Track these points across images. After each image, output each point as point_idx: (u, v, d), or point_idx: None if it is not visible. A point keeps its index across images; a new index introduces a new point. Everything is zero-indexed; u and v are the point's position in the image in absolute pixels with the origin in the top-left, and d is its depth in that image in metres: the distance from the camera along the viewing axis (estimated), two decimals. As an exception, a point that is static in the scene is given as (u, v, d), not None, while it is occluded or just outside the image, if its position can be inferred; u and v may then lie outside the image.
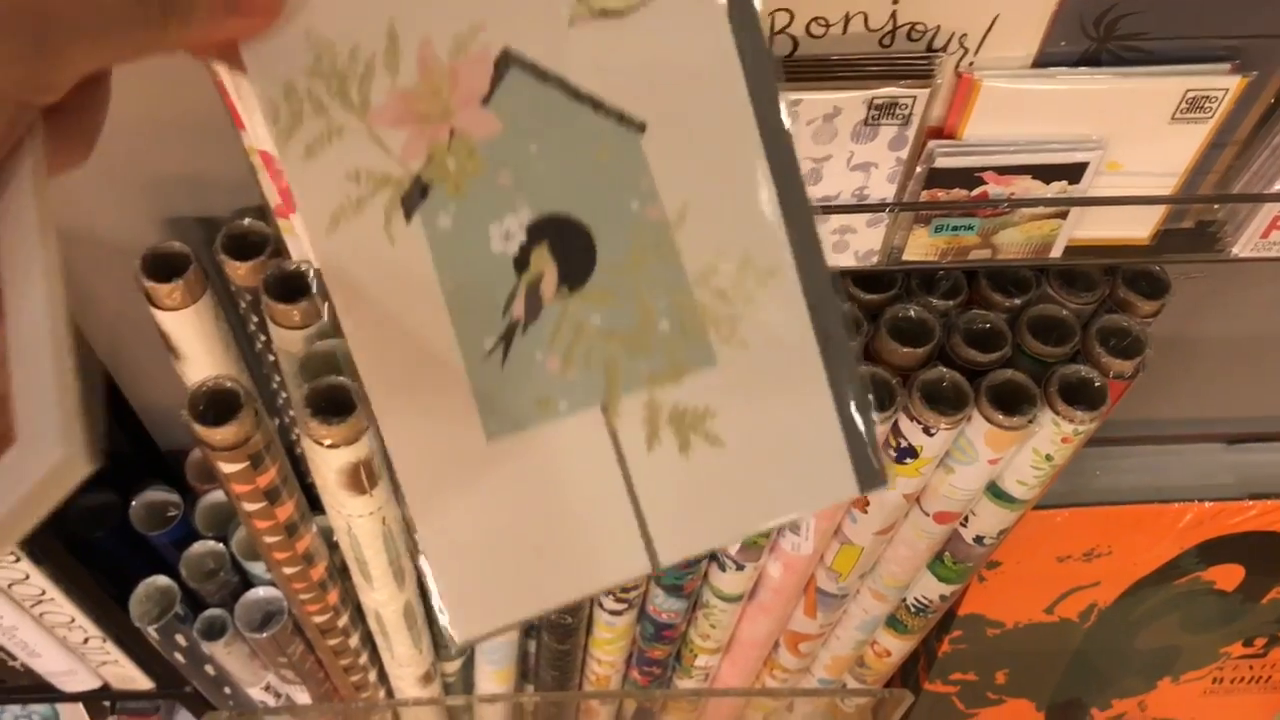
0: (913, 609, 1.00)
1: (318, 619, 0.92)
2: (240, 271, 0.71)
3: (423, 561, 0.44)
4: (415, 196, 0.42)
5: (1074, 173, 0.59)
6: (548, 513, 0.44)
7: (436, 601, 0.44)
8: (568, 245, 0.43)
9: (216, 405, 0.69)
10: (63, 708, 1.24)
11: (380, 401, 0.43)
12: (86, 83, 0.39)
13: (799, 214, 0.43)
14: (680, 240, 0.43)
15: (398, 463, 0.43)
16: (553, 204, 0.42)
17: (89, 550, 0.93)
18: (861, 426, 0.45)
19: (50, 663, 1.04)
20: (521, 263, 0.42)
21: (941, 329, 0.73)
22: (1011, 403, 0.72)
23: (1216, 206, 0.65)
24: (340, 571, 0.90)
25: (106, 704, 1.22)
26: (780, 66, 0.42)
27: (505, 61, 0.42)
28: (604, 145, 0.42)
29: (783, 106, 0.43)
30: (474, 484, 0.44)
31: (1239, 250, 0.65)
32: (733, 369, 0.44)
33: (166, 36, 0.37)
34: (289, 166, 0.41)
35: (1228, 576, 1.09)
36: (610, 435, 0.44)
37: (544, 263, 0.43)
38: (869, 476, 0.45)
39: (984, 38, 0.54)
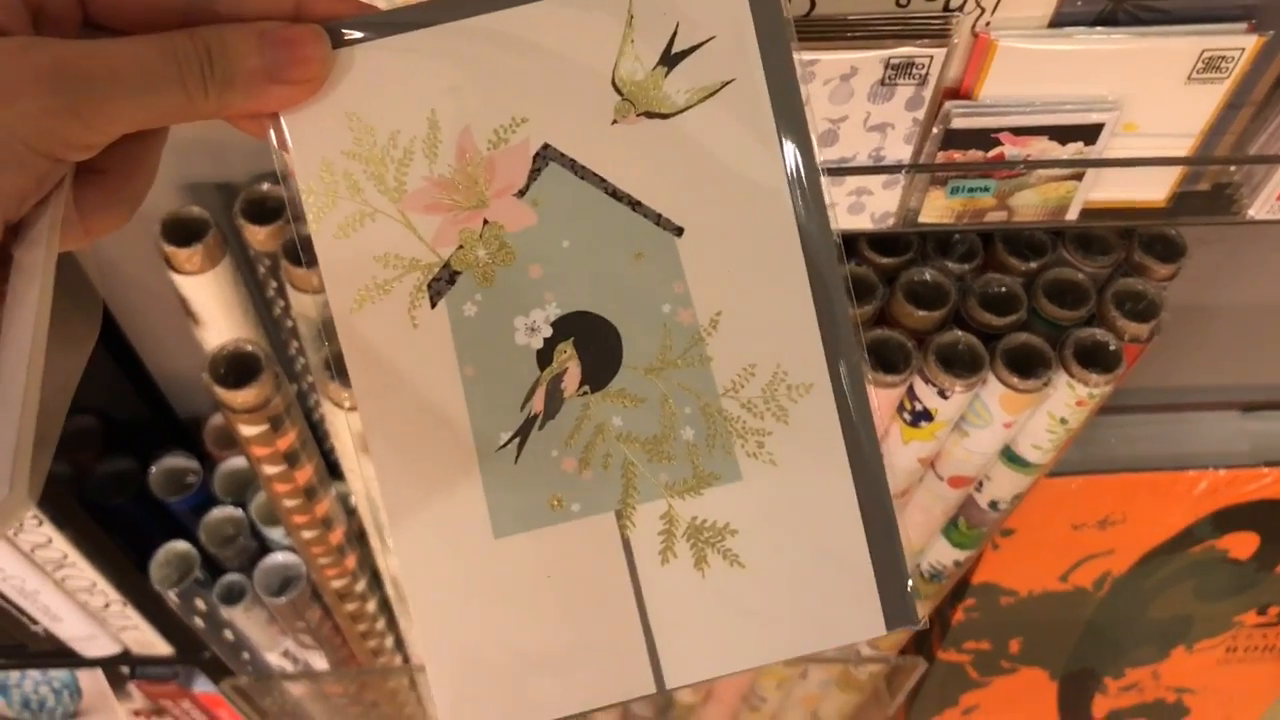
0: (927, 575, 1.00)
1: (336, 584, 0.93)
2: (259, 236, 0.71)
3: (420, 658, 0.43)
4: (442, 283, 0.42)
5: (1090, 134, 0.59)
6: (552, 620, 0.43)
7: (433, 698, 0.43)
8: (594, 343, 0.42)
9: (237, 369, 0.70)
10: (82, 675, 1.25)
11: (390, 485, 0.42)
12: (132, 149, 0.39)
13: (839, 329, 0.42)
14: (711, 348, 0.42)
15: (401, 552, 0.42)
16: (582, 301, 0.42)
17: (109, 516, 0.94)
18: (895, 560, 0.43)
19: (71, 627, 1.05)
20: (545, 357, 0.42)
21: (957, 292, 0.73)
22: (1026, 366, 0.72)
23: (1233, 168, 0.65)
24: (358, 537, 0.91)
25: (125, 670, 1.23)
26: (823, 174, 0.42)
27: (544, 156, 0.42)
28: (639, 246, 0.42)
29: (830, 215, 0.42)
30: (479, 582, 0.43)
31: (1255, 212, 0.65)
32: (759, 486, 0.43)
33: (206, 102, 0.37)
34: (319, 243, 0.42)
35: (1242, 544, 1.09)
36: (623, 544, 0.43)
37: (568, 359, 0.42)
38: (898, 614, 0.43)
39: (1000, -3, 0.55)
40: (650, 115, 0.42)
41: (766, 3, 0.41)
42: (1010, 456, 0.82)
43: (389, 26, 0.41)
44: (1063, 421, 0.76)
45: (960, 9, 0.55)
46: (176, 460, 0.97)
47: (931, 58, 0.55)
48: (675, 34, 0.41)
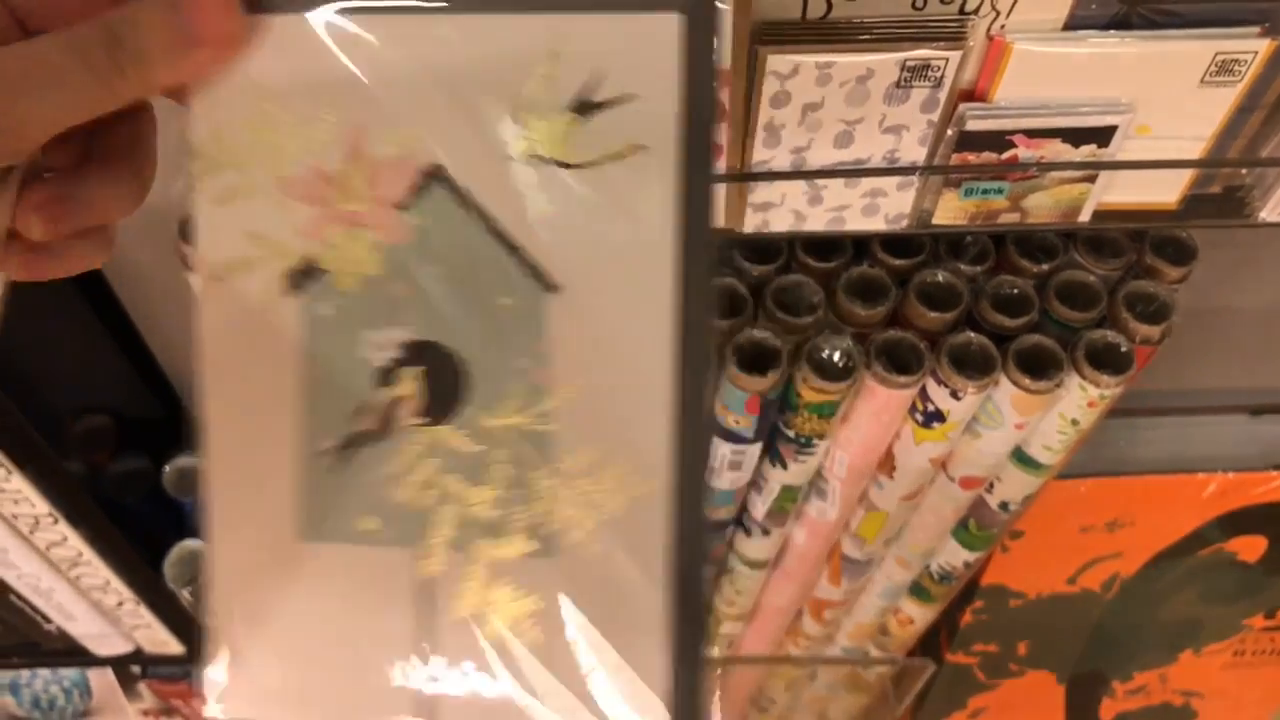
0: (936, 576, 1.01)
1: (348, 583, 0.93)
2: (276, 235, 0.71)
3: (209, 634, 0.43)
4: (301, 276, 0.40)
5: (1103, 136, 0.60)
6: (336, 637, 0.42)
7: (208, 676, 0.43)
8: (439, 377, 0.41)
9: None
10: (92, 674, 1.26)
11: (213, 462, 0.42)
12: (120, 135, 0.39)
13: (694, 434, 0.40)
14: (557, 416, 0.40)
15: (209, 524, 0.42)
16: (438, 332, 0.40)
17: (123, 514, 0.94)
18: (693, 679, 0.41)
19: (84, 626, 1.05)
20: (388, 377, 0.41)
21: (969, 294, 0.74)
22: (1038, 367, 0.72)
23: (1244, 171, 0.65)
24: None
25: (136, 670, 1.23)
26: (717, 271, 0.40)
27: (433, 176, 0.39)
28: (509, 293, 0.40)
29: (710, 317, 0.39)
30: (274, 577, 0.42)
31: (1266, 215, 0.66)
32: (570, 570, 0.41)
33: (126, 85, 0.36)
34: (198, 205, 0.40)
35: (1250, 548, 1.09)
36: (420, 582, 0.42)
37: (409, 386, 0.41)
38: None
39: (1015, 0, 0.55)
40: (553, 162, 0.39)
41: (700, 72, 0.38)
42: (1021, 458, 0.82)
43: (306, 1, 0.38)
44: (1074, 423, 0.76)
45: (975, 12, 0.55)
46: (190, 459, 0.97)
47: (947, 60, 0.56)
48: (596, 83, 0.38)
